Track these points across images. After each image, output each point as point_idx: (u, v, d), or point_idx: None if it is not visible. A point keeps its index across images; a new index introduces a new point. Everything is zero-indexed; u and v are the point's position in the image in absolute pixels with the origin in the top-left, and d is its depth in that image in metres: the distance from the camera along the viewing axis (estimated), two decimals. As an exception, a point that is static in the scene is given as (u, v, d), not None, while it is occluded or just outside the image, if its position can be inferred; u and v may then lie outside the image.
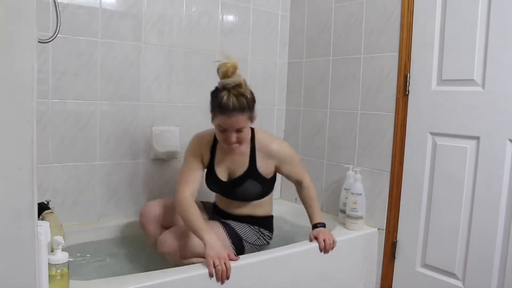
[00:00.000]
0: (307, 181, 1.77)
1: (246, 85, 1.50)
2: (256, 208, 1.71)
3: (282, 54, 2.44)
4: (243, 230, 1.67)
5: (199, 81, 2.14)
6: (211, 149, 1.67)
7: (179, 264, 1.50)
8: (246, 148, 1.63)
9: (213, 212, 1.82)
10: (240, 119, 1.48)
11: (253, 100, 1.53)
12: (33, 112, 0.87)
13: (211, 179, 1.69)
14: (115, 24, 1.87)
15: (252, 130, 1.66)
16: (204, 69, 2.15)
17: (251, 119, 1.54)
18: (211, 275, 1.34)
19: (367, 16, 1.99)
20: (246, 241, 1.66)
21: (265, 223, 1.75)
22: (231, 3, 2.21)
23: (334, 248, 1.68)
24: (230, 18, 2.23)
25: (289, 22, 2.44)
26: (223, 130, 1.51)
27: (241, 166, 1.63)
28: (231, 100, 1.45)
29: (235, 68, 1.46)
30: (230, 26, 2.23)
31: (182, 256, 1.51)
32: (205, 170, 1.70)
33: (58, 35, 1.60)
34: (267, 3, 2.34)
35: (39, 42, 1.01)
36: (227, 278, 1.36)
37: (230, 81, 1.46)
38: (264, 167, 1.64)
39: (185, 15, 2.07)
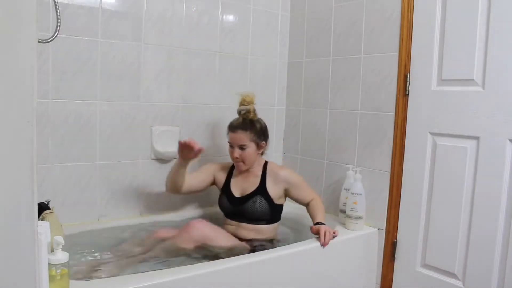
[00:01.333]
0: (315, 198, 1.89)
1: (254, 113, 1.85)
2: (261, 233, 1.83)
3: (282, 54, 2.44)
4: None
5: (199, 81, 2.14)
6: (228, 173, 1.93)
7: (201, 246, 1.67)
8: (259, 172, 1.88)
9: None
10: (242, 136, 1.79)
11: (261, 128, 1.85)
12: (33, 112, 0.87)
13: (226, 195, 1.89)
14: (115, 24, 1.87)
15: (266, 162, 1.91)
16: (204, 69, 2.15)
17: (257, 143, 1.83)
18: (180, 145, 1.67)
19: (367, 16, 1.99)
20: None
21: (267, 246, 1.80)
22: (231, 3, 2.21)
23: (333, 238, 1.70)
24: (230, 18, 2.23)
25: (289, 22, 2.44)
26: (230, 145, 1.84)
27: (253, 185, 1.86)
28: (237, 120, 1.85)
29: (251, 99, 1.85)
30: (230, 26, 2.23)
31: (208, 240, 1.67)
32: (215, 189, 1.94)
33: (58, 35, 1.61)
34: (267, 3, 2.34)
35: (39, 42, 1.01)
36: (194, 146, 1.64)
37: (242, 107, 1.85)
38: (273, 189, 1.85)
39: (185, 15, 2.07)
